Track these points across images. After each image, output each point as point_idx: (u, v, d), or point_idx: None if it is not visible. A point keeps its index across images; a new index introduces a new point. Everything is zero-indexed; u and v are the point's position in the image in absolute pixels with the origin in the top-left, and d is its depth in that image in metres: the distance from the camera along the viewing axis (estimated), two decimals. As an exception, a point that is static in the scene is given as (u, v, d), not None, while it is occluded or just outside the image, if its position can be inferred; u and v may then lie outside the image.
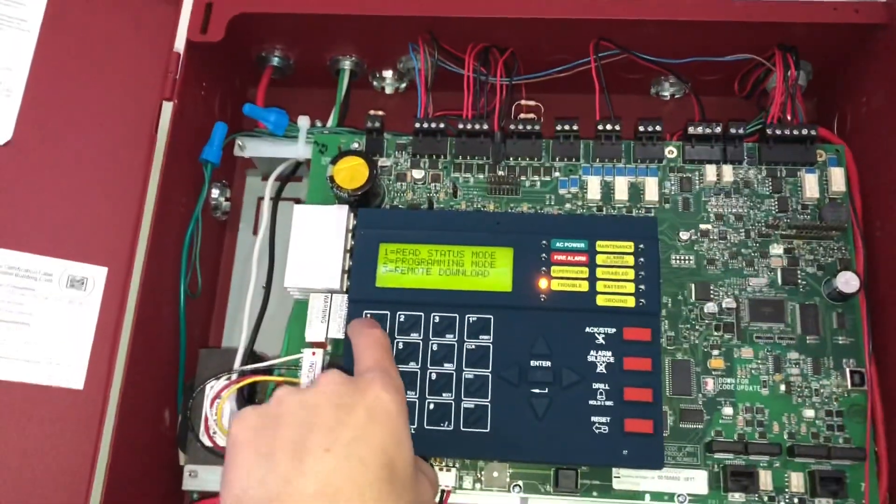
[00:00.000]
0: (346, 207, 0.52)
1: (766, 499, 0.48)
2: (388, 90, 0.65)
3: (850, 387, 0.50)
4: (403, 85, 0.65)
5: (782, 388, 0.50)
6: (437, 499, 0.48)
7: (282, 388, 0.39)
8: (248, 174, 0.65)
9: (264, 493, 0.34)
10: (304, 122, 0.58)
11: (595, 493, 0.48)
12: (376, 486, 0.35)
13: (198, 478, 0.52)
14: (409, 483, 0.37)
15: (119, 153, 0.52)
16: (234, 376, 0.51)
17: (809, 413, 0.49)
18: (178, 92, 0.54)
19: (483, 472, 0.49)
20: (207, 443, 0.51)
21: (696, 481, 0.48)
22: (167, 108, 0.54)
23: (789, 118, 0.56)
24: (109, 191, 0.51)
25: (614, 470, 0.48)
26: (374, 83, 0.65)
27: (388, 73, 0.64)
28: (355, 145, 0.57)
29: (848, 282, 0.50)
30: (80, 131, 0.52)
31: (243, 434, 0.37)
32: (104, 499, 0.46)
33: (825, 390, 0.50)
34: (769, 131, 0.54)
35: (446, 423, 0.47)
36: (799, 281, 0.52)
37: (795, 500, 0.48)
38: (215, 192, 0.61)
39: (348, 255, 0.51)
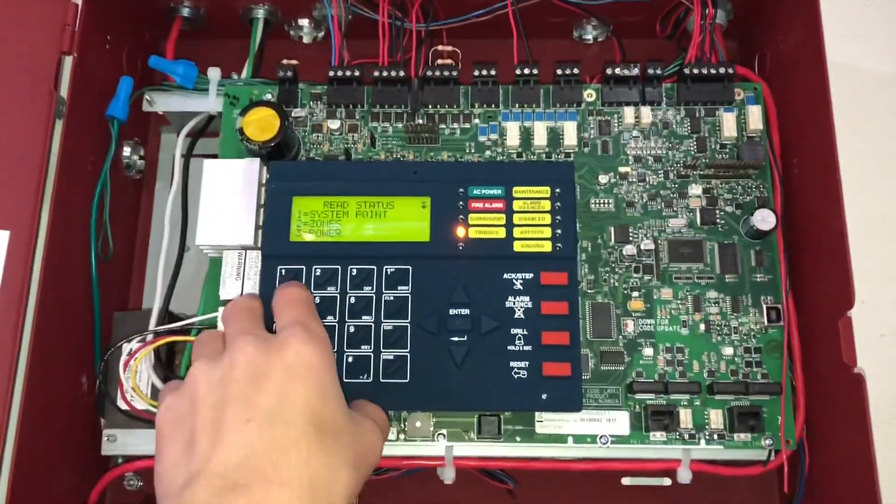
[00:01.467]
0: (257, 161, 0.50)
1: (686, 437, 0.49)
2: (306, 39, 0.63)
3: (767, 323, 0.50)
4: (321, 34, 0.63)
5: (702, 327, 0.50)
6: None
7: (195, 365, 0.38)
8: (163, 131, 0.63)
9: (187, 476, 0.34)
10: (214, 73, 0.56)
11: (518, 439, 0.48)
12: (303, 443, 0.34)
13: (117, 442, 0.51)
14: (342, 432, 0.37)
15: (17, 110, 0.50)
16: (148, 338, 0.50)
17: (728, 351, 0.50)
18: (77, 45, 0.51)
19: (406, 423, 0.49)
20: (124, 406, 0.50)
21: (618, 422, 0.49)
22: (68, 63, 0.52)
23: (709, 58, 0.55)
24: (8, 151, 0.49)
25: (537, 414, 0.49)
26: (292, 32, 0.63)
27: (304, 22, 0.62)
28: (268, 96, 0.55)
29: (765, 219, 0.50)
30: (-27, 90, 0.49)
31: (166, 424, 0.37)
32: (14, 469, 0.44)
33: (744, 328, 0.50)
34: (687, 71, 0.53)
35: (365, 375, 0.46)
36: (717, 220, 0.52)
37: (715, 437, 0.49)
38: (127, 150, 0.58)
39: (261, 209, 0.50)
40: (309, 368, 0.36)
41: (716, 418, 0.49)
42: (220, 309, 0.48)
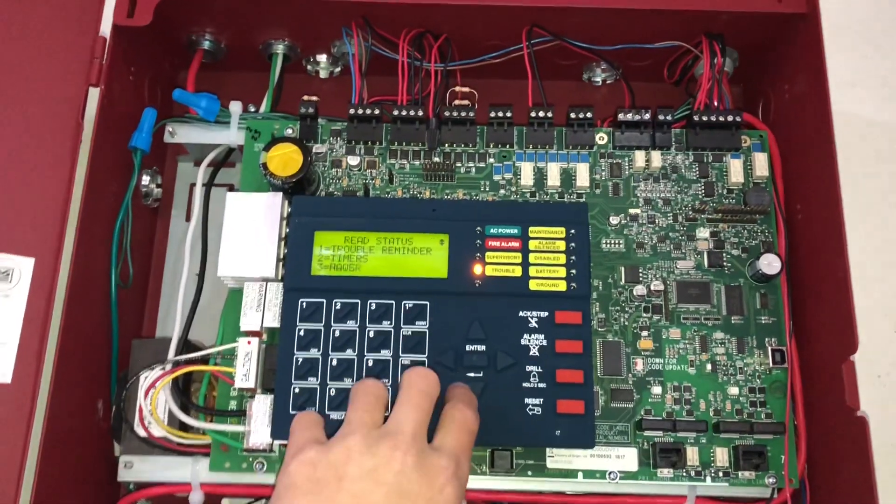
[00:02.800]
0: (279, 195, 0.52)
1: (693, 473, 0.50)
2: (323, 74, 0.65)
3: (771, 364, 0.52)
4: (338, 69, 0.65)
5: (708, 367, 0.52)
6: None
7: (354, 437, 0.38)
8: (180, 160, 0.64)
9: None
10: (235, 107, 0.57)
11: (530, 473, 0.50)
12: None
13: (133, 468, 0.51)
14: None
15: (45, 141, 0.51)
16: (168, 366, 0.51)
17: (734, 390, 0.51)
18: (105, 78, 0.53)
19: (420, 456, 0.50)
20: (142, 433, 0.51)
21: (627, 459, 0.50)
22: (94, 95, 0.53)
23: (716, 104, 0.57)
24: (35, 180, 0.50)
25: (548, 450, 0.50)
26: (309, 67, 0.65)
27: (322, 58, 0.63)
28: (289, 131, 0.56)
29: (770, 263, 0.52)
30: (3, 119, 0.50)
31: (303, 480, 0.37)
32: (35, 492, 0.45)
33: (749, 368, 0.52)
34: (696, 117, 0.55)
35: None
36: (724, 263, 0.54)
37: (721, 474, 0.50)
38: (146, 179, 0.59)
39: (283, 242, 0.51)
40: None
41: (721, 456, 0.50)
42: (242, 340, 0.49)
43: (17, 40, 0.52)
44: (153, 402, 0.50)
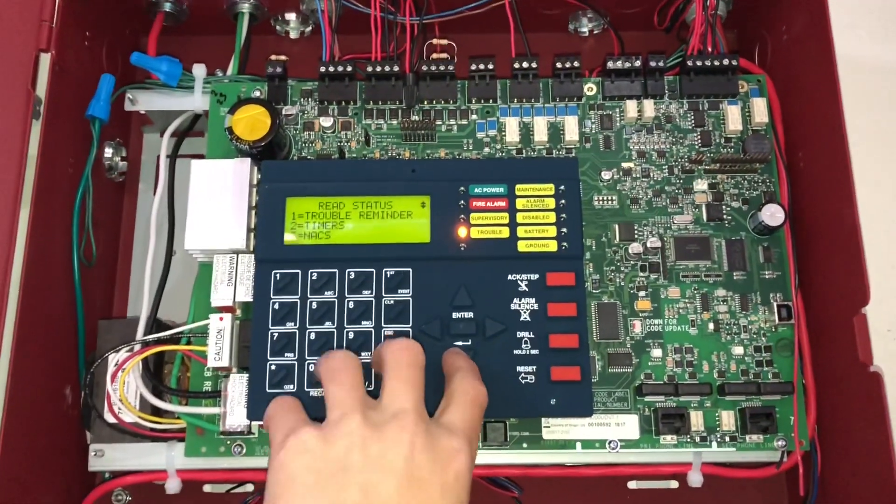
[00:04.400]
0: (248, 161, 0.48)
1: (697, 439, 0.47)
2: (293, 34, 0.61)
3: (777, 321, 0.49)
4: (309, 28, 0.61)
5: (711, 326, 0.49)
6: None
7: (353, 420, 0.35)
8: (145, 131, 0.61)
9: None
10: (199, 70, 0.54)
11: (525, 445, 0.47)
12: None
13: (104, 457, 0.48)
14: None
15: (-8, 111, 0.47)
16: (136, 347, 0.48)
17: (738, 350, 0.48)
18: (55, 42, 0.49)
19: (408, 432, 0.47)
20: (111, 420, 0.48)
21: (627, 426, 0.47)
22: (45, 61, 0.49)
23: (710, 50, 0.54)
24: (-17, 153, 0.47)
25: (543, 420, 0.47)
26: (278, 27, 0.61)
27: (291, 16, 0.60)
28: (256, 93, 0.53)
29: (773, 214, 0.49)
30: (-55, 89, 0.47)
31: (300, 471, 0.34)
32: (-5, 488, 0.42)
33: (753, 326, 0.49)
34: (689, 63, 0.52)
35: (367, 383, 0.44)
36: (724, 216, 0.51)
37: (727, 439, 0.47)
38: (109, 152, 0.56)
39: (253, 211, 0.48)
40: (458, 499, 0.35)
41: (727, 420, 0.47)
42: (214, 316, 0.46)
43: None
44: (122, 385, 0.47)
